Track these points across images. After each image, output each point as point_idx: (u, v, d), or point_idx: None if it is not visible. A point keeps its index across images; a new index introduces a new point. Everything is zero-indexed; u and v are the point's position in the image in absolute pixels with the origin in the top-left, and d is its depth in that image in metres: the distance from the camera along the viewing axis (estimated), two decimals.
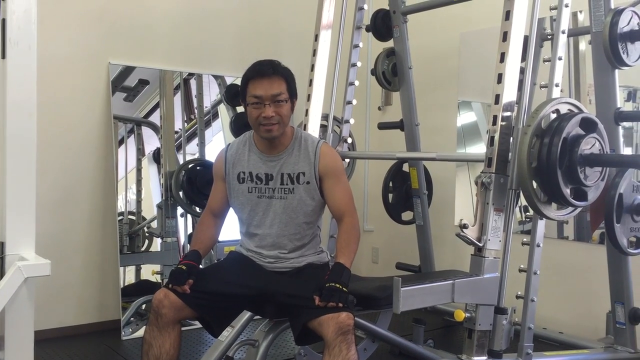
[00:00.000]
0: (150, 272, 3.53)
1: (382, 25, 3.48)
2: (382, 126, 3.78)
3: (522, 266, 2.37)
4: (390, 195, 3.61)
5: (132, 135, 3.58)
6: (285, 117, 2.18)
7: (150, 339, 2.06)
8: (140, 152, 3.60)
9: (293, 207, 2.21)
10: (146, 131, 3.63)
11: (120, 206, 3.47)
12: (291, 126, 2.28)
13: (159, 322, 2.05)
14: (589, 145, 2.19)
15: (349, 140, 3.20)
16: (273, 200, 2.22)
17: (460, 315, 2.19)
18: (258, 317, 2.41)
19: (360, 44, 3.27)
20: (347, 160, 3.20)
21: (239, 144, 2.31)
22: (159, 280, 3.51)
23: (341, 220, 2.22)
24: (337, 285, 1.99)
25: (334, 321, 1.92)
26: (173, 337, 2.06)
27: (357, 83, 3.23)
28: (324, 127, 3.15)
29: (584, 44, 3.21)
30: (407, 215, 3.64)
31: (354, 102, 3.22)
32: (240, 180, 2.25)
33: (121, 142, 3.51)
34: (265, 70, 2.15)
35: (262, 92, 2.14)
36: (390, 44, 3.53)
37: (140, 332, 3.33)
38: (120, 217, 3.46)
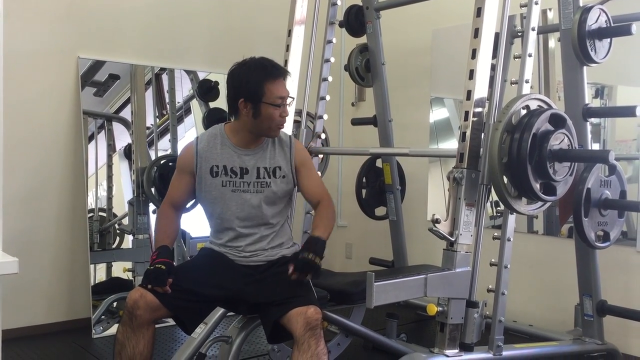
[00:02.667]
0: (121, 269, 3.49)
1: (355, 21, 3.49)
2: (356, 122, 3.79)
3: (493, 260, 2.40)
4: (364, 191, 3.62)
5: (103, 131, 3.53)
6: None
7: (123, 339, 2.03)
8: (111, 148, 3.55)
9: (268, 200, 2.24)
10: (117, 127, 3.58)
11: (91, 203, 3.42)
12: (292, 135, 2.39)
13: (133, 322, 2.02)
14: (558, 141, 2.23)
15: (323, 136, 3.20)
16: (247, 194, 2.23)
17: (433, 309, 2.22)
18: (231, 313, 2.40)
19: (334, 40, 3.27)
20: (321, 155, 3.20)
21: (210, 137, 2.30)
22: (131, 278, 3.47)
23: (318, 204, 2.29)
24: (311, 255, 2.05)
25: (301, 317, 1.93)
26: (147, 338, 2.04)
27: (330, 79, 3.23)
28: (297, 123, 3.14)
29: (553, 41, 3.26)
30: (380, 211, 3.66)
31: (328, 97, 3.22)
32: (214, 174, 2.24)
33: (91, 138, 3.46)
34: (281, 71, 2.25)
35: (285, 93, 2.23)
36: (363, 39, 3.54)
37: (112, 330, 3.29)
38: (91, 214, 3.41)
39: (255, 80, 2.18)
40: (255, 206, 2.22)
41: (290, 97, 2.28)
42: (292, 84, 3.07)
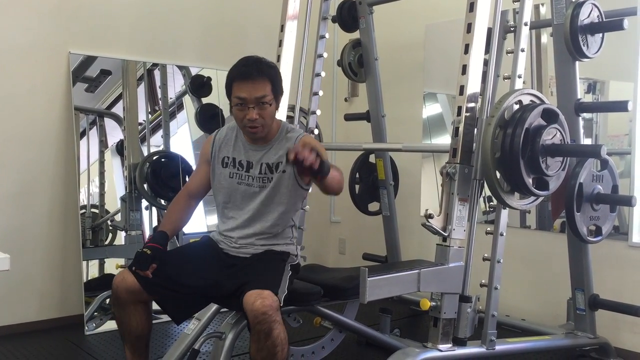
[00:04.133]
0: (114, 266, 3.47)
1: (348, 16, 3.48)
2: (349, 117, 3.79)
3: (486, 255, 2.41)
4: (357, 187, 3.62)
5: (95, 127, 3.51)
6: (268, 119, 2.19)
7: (117, 316, 2.17)
8: (103, 144, 3.53)
9: (269, 197, 2.24)
10: (109, 123, 3.56)
11: (83, 199, 3.40)
12: (278, 120, 2.31)
13: (119, 302, 2.12)
14: (551, 136, 2.23)
15: (316, 131, 3.20)
16: (251, 188, 2.25)
17: (426, 304, 2.22)
18: (225, 309, 2.40)
19: (327, 35, 3.27)
20: None
21: (229, 129, 2.35)
22: None
23: None
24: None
25: (249, 307, 1.90)
26: (138, 315, 2.12)
27: (323, 74, 3.23)
28: (290, 118, 3.14)
29: (545, 37, 3.27)
30: (373, 206, 3.66)
31: (321, 93, 3.22)
32: (224, 165, 2.29)
33: (83, 134, 3.44)
34: (250, 72, 2.15)
35: (246, 95, 2.14)
36: (356, 35, 3.54)
37: (104, 327, 3.29)
38: (83, 211, 3.39)
39: (228, 80, 2.20)
40: (257, 201, 2.24)
41: (264, 101, 2.13)
42: (284, 79, 3.08)
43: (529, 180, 2.22)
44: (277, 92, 2.22)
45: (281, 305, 1.98)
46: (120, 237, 3.54)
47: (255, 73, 2.15)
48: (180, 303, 2.18)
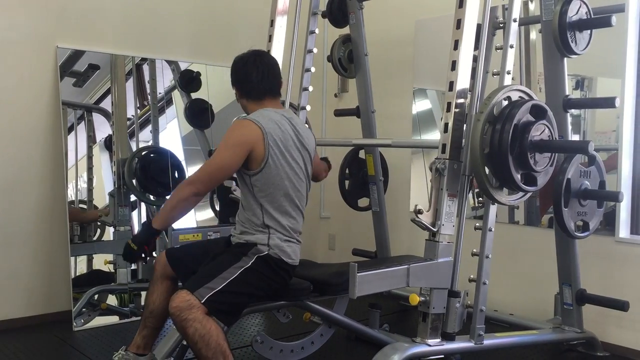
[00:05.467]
0: (102, 261, 3.45)
1: (338, 11, 3.47)
2: (339, 113, 3.78)
3: (474, 250, 2.42)
4: (347, 182, 3.62)
5: (83, 122, 3.48)
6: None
7: (147, 292, 2.38)
8: (91, 139, 3.51)
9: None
10: (97, 118, 3.54)
11: (71, 195, 3.38)
12: (240, 116, 2.38)
13: (153, 276, 2.35)
14: (539, 132, 2.24)
15: (306, 126, 3.20)
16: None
17: (415, 299, 2.23)
18: None
19: (317, 30, 3.26)
20: None
21: None
22: (112, 270, 3.44)
23: None
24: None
25: (170, 307, 2.02)
26: (158, 291, 2.31)
27: (313, 69, 3.23)
28: None
29: (534, 33, 3.28)
30: (363, 202, 3.67)
31: (310, 88, 3.22)
32: None
33: (71, 129, 3.42)
34: None
35: None
36: (346, 30, 3.53)
37: (93, 323, 3.28)
38: (71, 206, 3.37)
39: None
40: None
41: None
42: None
43: (518, 176, 2.23)
44: (233, 82, 2.43)
45: (205, 300, 2.00)
46: (109, 233, 3.52)
47: None
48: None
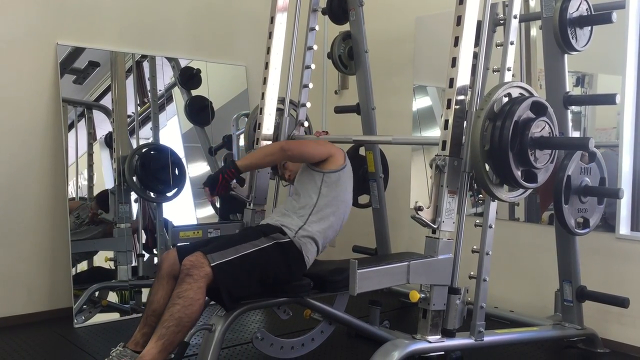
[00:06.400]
0: (103, 258, 3.46)
1: (339, 8, 3.47)
2: (339, 110, 3.78)
3: (475, 247, 2.42)
4: None
5: (83, 119, 3.48)
6: None
7: (151, 290, 2.39)
8: (92, 136, 3.51)
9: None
10: (97, 115, 3.54)
11: (71, 192, 3.38)
12: None
13: (159, 274, 2.36)
14: (539, 129, 2.24)
15: (306, 124, 3.20)
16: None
17: (415, 296, 2.23)
18: (213, 302, 2.40)
19: (317, 27, 3.26)
20: None
21: None
22: (113, 267, 3.44)
23: None
24: None
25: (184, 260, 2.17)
26: (163, 290, 2.32)
27: (313, 66, 3.22)
28: (280, 111, 3.13)
29: (535, 30, 3.28)
30: (363, 199, 3.67)
31: (311, 85, 3.21)
32: None
33: (71, 126, 3.42)
34: None
35: None
36: (346, 27, 3.53)
37: (93, 320, 3.28)
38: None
39: None
40: None
41: None
42: (274, 72, 3.08)
43: (518, 173, 2.23)
44: None
45: (215, 264, 2.15)
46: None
47: None
48: None
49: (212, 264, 2.14)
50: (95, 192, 3.49)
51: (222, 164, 3.94)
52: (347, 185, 2.61)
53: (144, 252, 3.58)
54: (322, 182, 2.53)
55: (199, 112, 3.86)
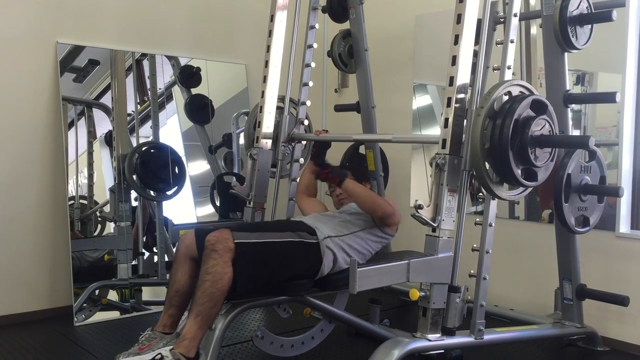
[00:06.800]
0: (103, 257, 3.45)
1: (338, 6, 3.47)
2: (339, 108, 3.78)
3: (475, 245, 2.42)
4: None
5: (83, 118, 3.48)
6: None
7: (171, 273, 2.43)
8: (92, 135, 3.51)
9: None
10: (97, 113, 3.54)
11: (71, 190, 3.38)
12: None
13: (176, 257, 2.41)
14: (539, 127, 2.24)
15: (306, 122, 3.20)
16: None
17: (415, 294, 2.23)
18: None
19: (317, 25, 3.25)
20: (304, 142, 3.19)
21: None
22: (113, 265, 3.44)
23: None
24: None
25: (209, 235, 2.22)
26: (183, 270, 2.37)
27: (313, 65, 3.22)
28: (280, 109, 3.13)
29: (535, 28, 3.28)
30: None
31: (311, 84, 3.21)
32: None
33: (71, 124, 3.42)
34: None
35: None
36: (346, 25, 3.52)
37: (94, 318, 3.28)
38: (72, 202, 3.37)
39: None
40: None
41: None
42: (274, 70, 3.07)
43: (518, 171, 2.23)
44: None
45: (238, 241, 2.21)
46: (109, 228, 3.52)
47: None
48: None
49: (235, 241, 2.20)
50: (96, 190, 3.49)
51: (221, 162, 3.94)
52: (376, 248, 2.68)
53: (143, 250, 3.58)
54: (377, 231, 2.64)
55: (199, 110, 3.86)
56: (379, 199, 2.68)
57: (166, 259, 3.60)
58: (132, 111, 3.64)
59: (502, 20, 2.70)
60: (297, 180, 3.09)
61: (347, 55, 3.56)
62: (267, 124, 3.05)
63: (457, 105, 2.27)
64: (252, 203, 2.97)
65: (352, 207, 2.77)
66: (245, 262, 2.22)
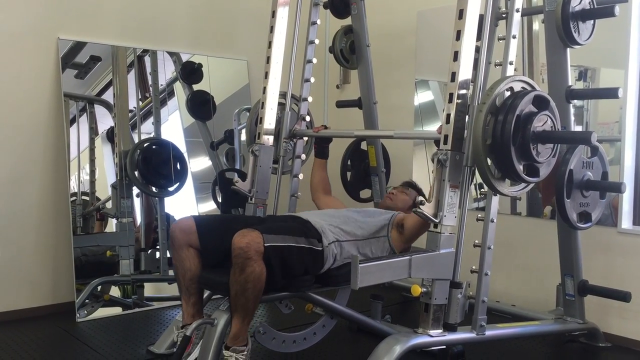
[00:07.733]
0: (105, 253, 3.46)
1: (340, 2, 3.46)
2: (340, 104, 3.78)
3: (476, 241, 2.42)
4: (349, 174, 3.62)
5: (85, 114, 3.48)
6: None
7: (174, 263, 2.41)
8: (93, 131, 3.51)
9: None
10: (99, 110, 3.54)
11: (73, 187, 3.38)
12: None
13: (174, 244, 2.39)
14: (541, 123, 2.23)
15: (307, 118, 3.19)
16: None
17: (417, 290, 2.23)
18: (217, 296, 2.41)
19: (318, 21, 3.25)
20: (306, 138, 3.19)
21: None
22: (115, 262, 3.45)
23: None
24: None
25: (233, 242, 2.16)
26: (191, 257, 2.37)
27: (315, 61, 3.21)
28: (281, 105, 3.13)
29: (537, 23, 3.27)
30: (365, 193, 3.67)
31: (312, 80, 3.21)
32: None
33: (73, 121, 3.42)
34: None
35: None
36: (348, 21, 3.52)
37: (96, 314, 3.29)
38: (74, 198, 3.37)
39: None
40: None
41: None
42: (276, 66, 3.07)
43: (520, 167, 2.22)
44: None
45: (268, 245, 2.18)
46: (111, 225, 3.52)
47: None
48: (216, 251, 2.38)
49: (266, 244, 2.19)
50: (97, 187, 3.49)
51: (223, 159, 3.94)
52: (378, 253, 2.63)
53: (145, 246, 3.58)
54: (386, 242, 2.60)
55: (201, 106, 3.86)
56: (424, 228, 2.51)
57: (168, 255, 3.60)
58: (134, 107, 3.64)
59: (504, 15, 2.69)
60: (300, 176, 3.11)
61: (349, 51, 3.56)
62: (269, 120, 3.05)
63: (459, 101, 2.27)
64: (253, 199, 2.97)
65: (378, 211, 2.75)
66: (269, 264, 2.22)
